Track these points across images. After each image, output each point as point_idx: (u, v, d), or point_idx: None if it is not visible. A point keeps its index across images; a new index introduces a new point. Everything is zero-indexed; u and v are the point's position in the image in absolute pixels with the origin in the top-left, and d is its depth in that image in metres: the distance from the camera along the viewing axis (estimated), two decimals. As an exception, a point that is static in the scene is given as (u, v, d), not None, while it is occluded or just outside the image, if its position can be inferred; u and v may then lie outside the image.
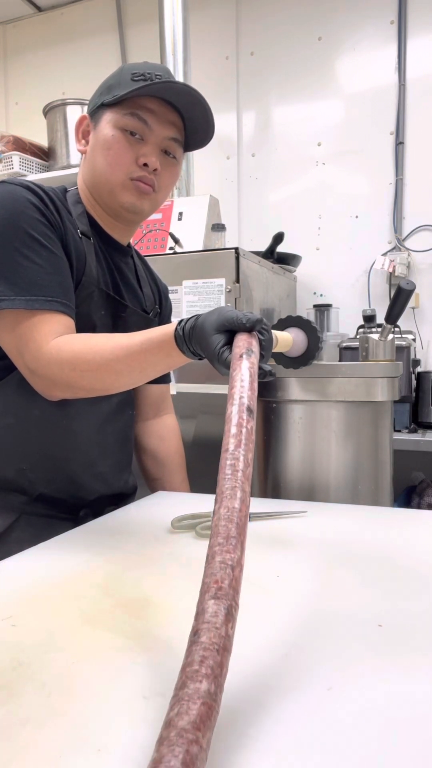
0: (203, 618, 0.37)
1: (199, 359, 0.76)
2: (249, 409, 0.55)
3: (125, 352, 0.79)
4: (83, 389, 0.86)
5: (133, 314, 1.03)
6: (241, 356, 0.64)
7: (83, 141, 0.98)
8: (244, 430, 0.53)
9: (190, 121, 0.95)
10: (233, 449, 0.51)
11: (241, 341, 0.67)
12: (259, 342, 0.69)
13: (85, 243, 0.94)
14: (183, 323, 0.75)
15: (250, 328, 0.70)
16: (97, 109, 0.94)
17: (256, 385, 0.61)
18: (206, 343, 0.71)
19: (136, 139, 0.92)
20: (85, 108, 1.01)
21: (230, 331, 0.71)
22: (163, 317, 1.18)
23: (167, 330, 0.77)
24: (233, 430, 0.53)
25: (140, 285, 1.09)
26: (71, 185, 1.00)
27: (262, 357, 0.69)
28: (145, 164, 0.92)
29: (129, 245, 1.09)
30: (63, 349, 0.82)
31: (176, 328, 0.76)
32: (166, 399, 1.24)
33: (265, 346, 0.71)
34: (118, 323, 1.01)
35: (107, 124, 0.92)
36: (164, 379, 1.20)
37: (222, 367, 0.70)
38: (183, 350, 0.75)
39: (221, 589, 0.38)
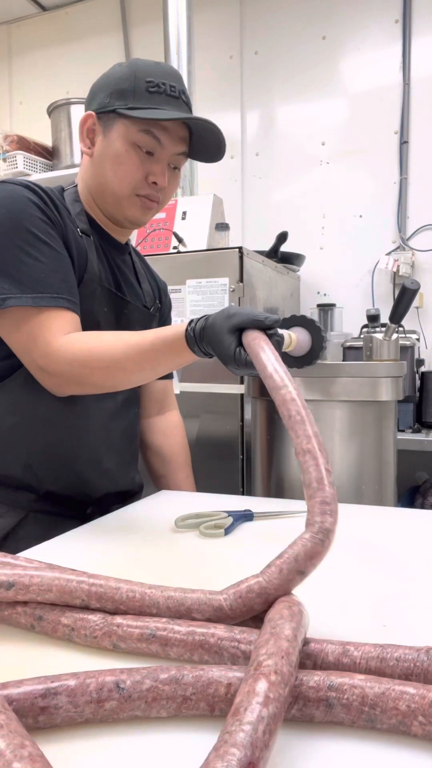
0: None
1: (210, 357, 0.77)
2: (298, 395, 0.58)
3: (136, 350, 0.80)
4: (93, 386, 0.87)
5: (135, 310, 1.04)
6: (261, 348, 0.67)
7: (88, 141, 0.95)
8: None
9: (199, 138, 0.95)
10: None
11: (254, 337, 0.70)
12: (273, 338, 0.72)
13: (85, 241, 0.95)
14: (193, 324, 0.77)
15: (270, 326, 0.71)
16: (107, 113, 0.91)
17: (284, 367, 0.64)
18: (220, 344, 0.73)
19: (147, 155, 0.91)
20: (90, 106, 1.00)
21: (241, 329, 0.72)
22: (163, 313, 1.18)
23: (178, 330, 0.78)
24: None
25: (139, 281, 1.10)
26: (68, 184, 1.00)
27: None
28: (155, 182, 0.92)
29: (127, 243, 1.09)
30: (73, 347, 0.83)
31: (187, 329, 0.77)
32: (170, 395, 1.24)
33: (276, 341, 0.73)
34: (120, 319, 1.01)
35: (119, 136, 0.90)
36: (167, 375, 1.20)
37: (237, 368, 0.72)
38: (194, 350, 0.77)
39: None
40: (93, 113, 0.93)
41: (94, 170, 0.95)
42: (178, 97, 0.91)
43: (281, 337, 0.75)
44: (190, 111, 0.94)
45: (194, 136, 0.95)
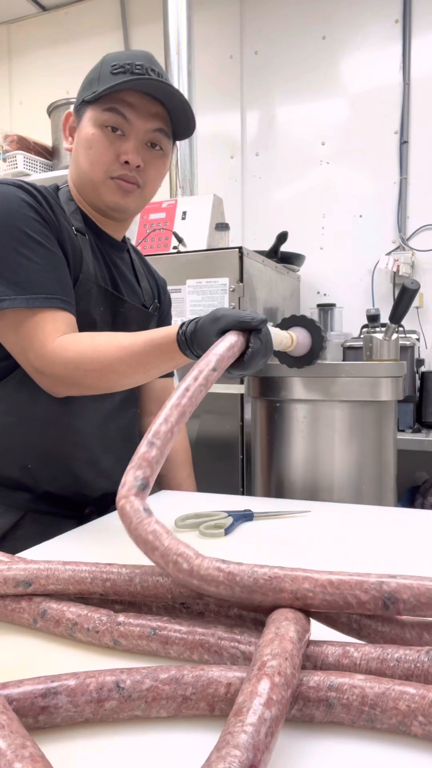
0: None
1: None
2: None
3: (128, 353, 0.80)
4: (88, 387, 0.86)
5: (132, 309, 1.04)
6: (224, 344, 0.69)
7: (70, 138, 0.97)
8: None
9: (173, 112, 0.93)
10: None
11: (228, 336, 0.71)
12: (258, 337, 0.72)
13: (80, 240, 0.94)
14: (184, 327, 0.76)
15: (256, 327, 0.71)
16: (80, 106, 0.93)
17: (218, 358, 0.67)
18: (209, 346, 0.72)
19: (117, 135, 0.90)
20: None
21: (228, 331, 0.72)
22: (163, 311, 1.18)
23: (169, 333, 0.78)
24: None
25: (138, 280, 1.09)
26: (62, 183, 1.00)
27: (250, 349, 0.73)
28: (126, 161, 0.91)
29: (124, 240, 1.08)
30: (67, 349, 0.82)
31: (178, 333, 0.77)
32: (170, 394, 1.24)
33: (264, 340, 0.73)
34: (117, 319, 1.01)
35: (88, 121, 0.91)
36: (167, 374, 1.20)
37: (228, 371, 0.72)
38: (186, 354, 0.77)
39: None
40: (72, 112, 0.96)
41: (74, 162, 0.96)
42: (144, 73, 0.88)
43: (267, 336, 0.74)
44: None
45: (171, 113, 0.93)
